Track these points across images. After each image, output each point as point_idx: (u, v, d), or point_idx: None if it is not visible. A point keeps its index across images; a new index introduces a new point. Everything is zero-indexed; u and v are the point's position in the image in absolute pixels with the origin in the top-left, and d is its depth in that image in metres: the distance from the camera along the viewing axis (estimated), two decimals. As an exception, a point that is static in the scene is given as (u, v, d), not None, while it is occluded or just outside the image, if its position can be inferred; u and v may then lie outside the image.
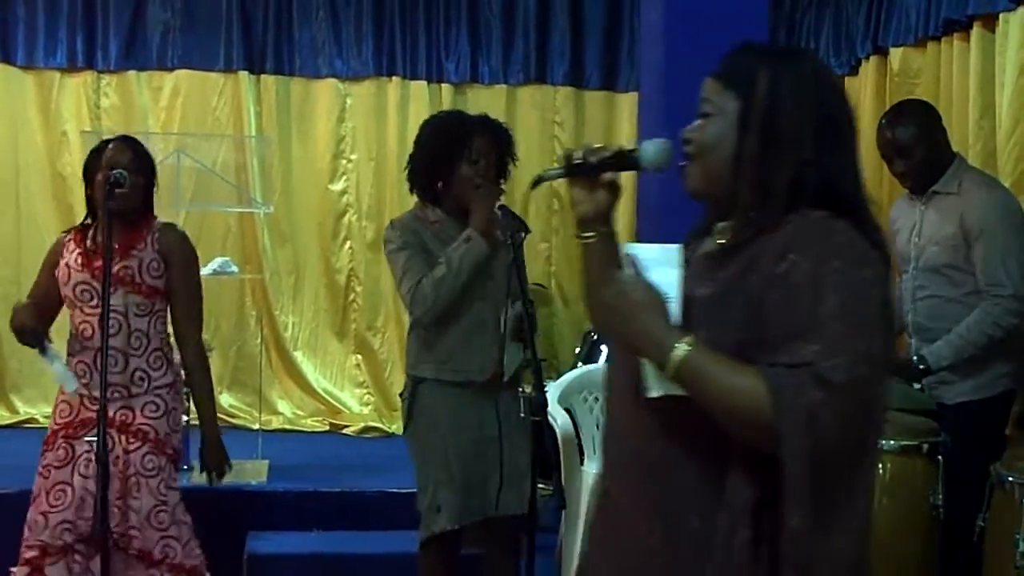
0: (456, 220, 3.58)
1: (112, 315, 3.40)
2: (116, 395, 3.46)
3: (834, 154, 1.71)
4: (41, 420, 6.46)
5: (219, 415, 6.37)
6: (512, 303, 3.44)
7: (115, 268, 3.44)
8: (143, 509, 3.47)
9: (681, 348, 1.64)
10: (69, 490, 3.44)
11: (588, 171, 1.90)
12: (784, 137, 1.70)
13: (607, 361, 2.01)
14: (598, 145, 1.91)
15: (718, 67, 1.81)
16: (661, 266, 1.74)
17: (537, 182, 1.94)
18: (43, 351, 3.48)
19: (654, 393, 1.69)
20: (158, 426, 3.53)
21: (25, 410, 6.58)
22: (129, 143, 3.59)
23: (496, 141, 3.63)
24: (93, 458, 3.32)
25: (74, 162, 6.54)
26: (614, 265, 1.89)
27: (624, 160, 1.90)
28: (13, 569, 3.53)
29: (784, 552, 1.60)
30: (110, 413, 3.41)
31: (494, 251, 3.51)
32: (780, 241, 1.65)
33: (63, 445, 3.47)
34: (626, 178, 1.97)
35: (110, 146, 3.55)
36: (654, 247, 1.79)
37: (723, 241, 1.77)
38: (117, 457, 3.45)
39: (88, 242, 3.54)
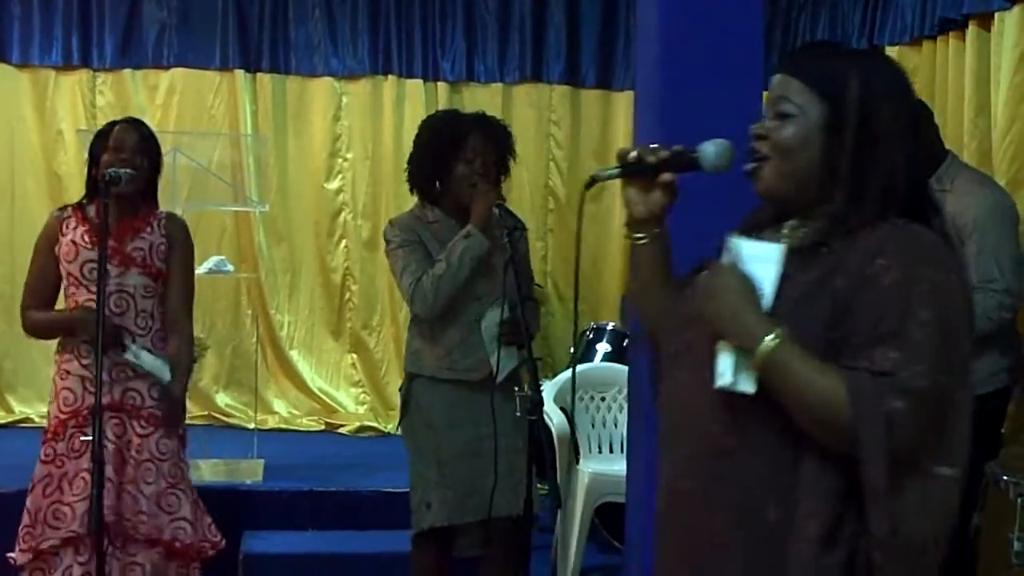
0: (454, 220, 3.58)
1: (121, 294, 3.47)
2: (120, 375, 3.49)
3: (919, 158, 1.76)
4: (37, 420, 6.45)
5: (215, 414, 6.47)
6: (503, 306, 3.44)
7: (127, 248, 3.51)
8: (154, 494, 3.49)
9: (771, 339, 1.65)
10: (89, 478, 3.43)
11: (646, 171, 1.86)
12: (880, 142, 1.71)
13: (660, 358, 1.97)
14: (654, 144, 1.87)
15: (795, 67, 1.78)
16: (761, 262, 1.74)
17: (592, 183, 1.87)
18: (124, 349, 3.46)
19: (725, 382, 1.70)
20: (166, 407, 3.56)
21: (20, 409, 6.56)
22: (135, 125, 3.61)
23: (493, 139, 3.63)
24: (108, 445, 3.36)
25: (69, 161, 6.54)
26: (664, 267, 1.91)
27: (683, 161, 1.86)
28: (12, 555, 3.51)
29: (872, 552, 1.63)
30: (116, 396, 3.45)
31: (493, 247, 3.51)
32: (869, 245, 1.67)
33: (76, 435, 3.46)
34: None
35: (117, 127, 3.55)
36: (758, 243, 1.78)
37: (794, 239, 1.77)
38: (129, 442, 3.49)
39: (95, 219, 3.50)
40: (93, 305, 3.38)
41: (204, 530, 3.61)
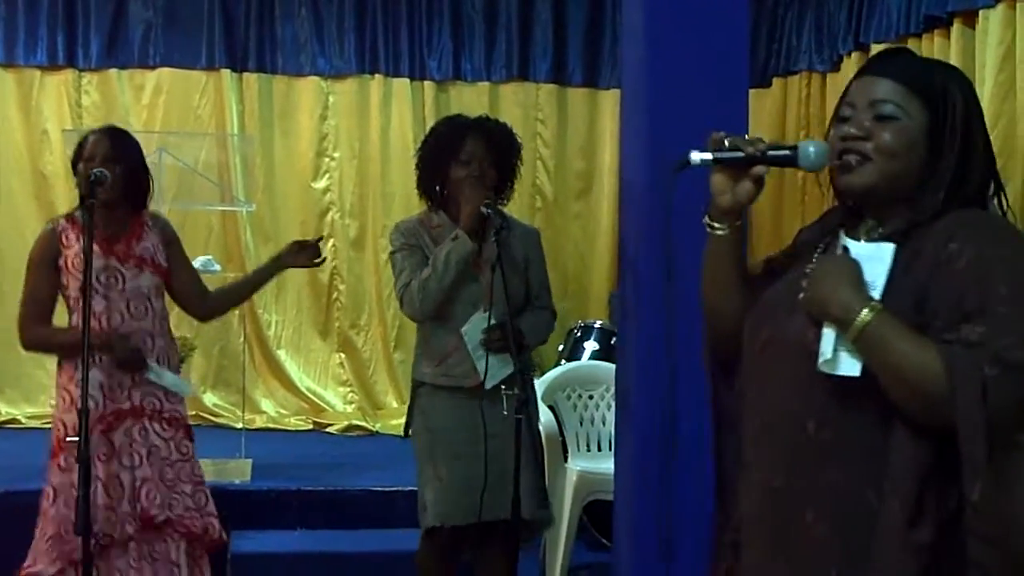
0: (456, 225, 3.58)
1: (139, 297, 3.51)
2: (139, 379, 3.50)
3: (993, 159, 1.85)
4: (23, 421, 6.44)
5: (202, 414, 6.47)
6: (489, 311, 3.45)
7: (137, 250, 3.54)
8: (192, 492, 3.57)
9: (867, 312, 1.69)
10: (117, 482, 3.46)
11: (740, 161, 1.84)
12: (978, 149, 1.80)
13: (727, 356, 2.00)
14: (750, 136, 1.86)
15: (896, 72, 1.81)
16: (872, 261, 1.77)
17: (684, 165, 1.82)
18: (147, 369, 3.49)
19: (826, 359, 1.73)
20: (181, 410, 3.63)
21: (7, 411, 6.54)
22: (108, 134, 3.58)
23: (490, 142, 3.61)
24: (133, 448, 3.45)
25: (55, 161, 6.53)
26: (740, 261, 1.93)
27: (780, 156, 1.84)
28: (36, 568, 3.46)
29: (970, 525, 1.65)
30: (136, 401, 3.49)
31: (485, 251, 3.51)
32: (942, 230, 1.73)
33: (101, 440, 3.44)
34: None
35: (90, 138, 3.55)
36: (868, 244, 1.81)
37: (874, 235, 1.82)
38: (155, 446, 3.52)
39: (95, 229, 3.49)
40: (116, 315, 3.46)
41: (215, 525, 3.67)
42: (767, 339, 1.86)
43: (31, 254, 3.58)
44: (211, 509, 3.64)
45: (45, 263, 3.54)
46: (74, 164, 3.55)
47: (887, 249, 1.78)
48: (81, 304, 3.44)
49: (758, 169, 1.84)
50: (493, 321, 3.46)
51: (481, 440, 3.49)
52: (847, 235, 1.87)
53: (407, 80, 6.83)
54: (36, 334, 3.57)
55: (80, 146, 3.55)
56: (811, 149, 1.82)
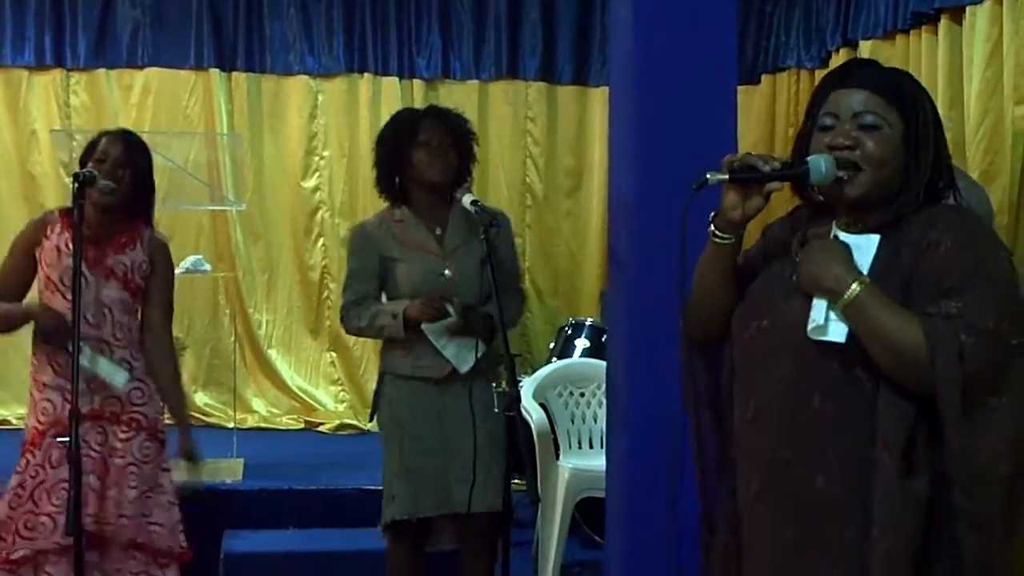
0: (420, 219, 3.61)
1: (99, 307, 3.44)
2: (99, 384, 3.46)
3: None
4: (14, 422, 6.42)
5: (193, 413, 6.44)
6: (454, 304, 3.49)
7: (109, 261, 3.47)
8: (136, 497, 3.48)
9: (857, 284, 1.89)
10: (66, 490, 3.40)
11: (757, 179, 1.96)
12: (943, 152, 2.02)
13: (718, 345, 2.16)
14: (761, 154, 1.99)
15: (874, 85, 1.97)
16: (859, 250, 1.95)
17: (703, 184, 1.95)
18: (79, 351, 3.39)
19: (818, 326, 1.92)
20: (147, 411, 3.54)
21: (-2, 412, 6.54)
22: (122, 137, 3.56)
23: (445, 123, 3.65)
24: (89, 454, 3.35)
25: (43, 161, 6.52)
26: (735, 265, 2.08)
27: (793, 172, 1.98)
28: None
29: (951, 475, 1.85)
30: (95, 404, 3.42)
31: (462, 246, 3.59)
32: (921, 223, 1.94)
33: (55, 444, 3.41)
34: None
35: (104, 138, 3.53)
36: (857, 235, 1.98)
37: (856, 230, 1.99)
38: (113, 448, 3.46)
39: (83, 229, 3.47)
40: (67, 313, 3.35)
41: (177, 536, 3.58)
42: (762, 327, 2.02)
43: (15, 238, 3.58)
44: (158, 516, 3.52)
45: (23, 247, 3.54)
46: (83, 163, 3.51)
47: (873, 239, 1.96)
48: (57, 297, 3.45)
49: (772, 186, 1.97)
50: (454, 312, 3.49)
51: (448, 432, 3.53)
52: (821, 230, 2.04)
53: (396, 79, 6.84)
54: None
55: (92, 146, 3.51)
56: (822, 164, 1.94)
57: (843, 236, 1.99)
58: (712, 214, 2.03)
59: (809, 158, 1.96)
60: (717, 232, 2.03)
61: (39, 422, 3.47)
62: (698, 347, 2.18)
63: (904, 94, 1.98)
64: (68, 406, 3.36)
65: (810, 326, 1.93)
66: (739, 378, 2.09)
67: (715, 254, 2.06)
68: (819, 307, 1.93)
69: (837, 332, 1.92)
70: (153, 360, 3.60)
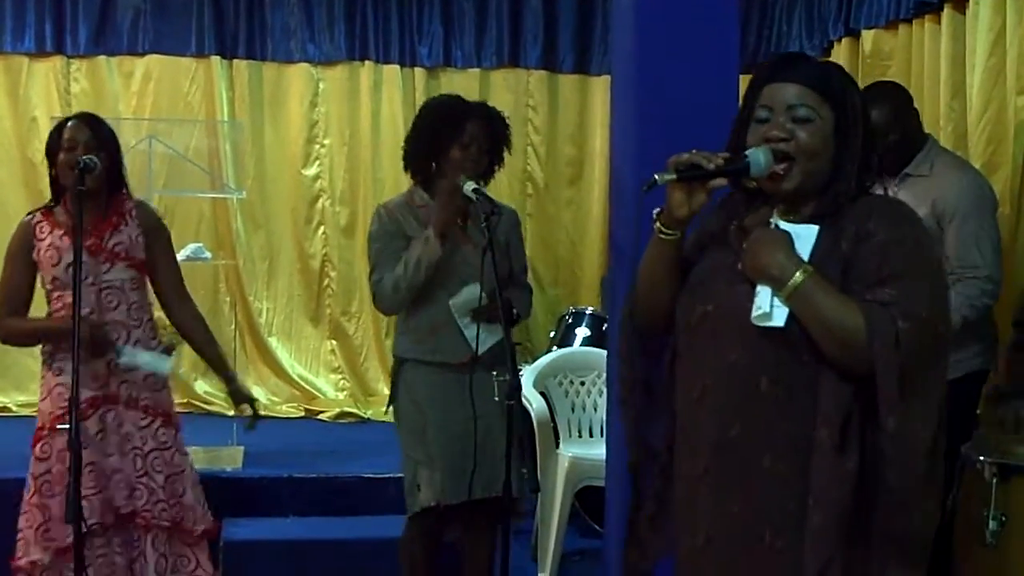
0: None
1: (111, 290, 3.49)
2: (117, 368, 3.51)
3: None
4: (14, 408, 6.44)
5: (193, 401, 6.47)
6: (480, 286, 3.48)
7: (110, 243, 3.51)
8: (163, 482, 3.55)
9: (800, 273, 1.99)
10: (97, 470, 3.45)
11: (703, 176, 2.03)
12: (870, 140, 2.12)
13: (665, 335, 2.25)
14: (706, 153, 2.05)
15: (806, 78, 2.07)
16: (799, 239, 2.05)
17: (651, 186, 2.04)
18: (119, 354, 3.48)
19: (762, 313, 2.00)
20: (162, 399, 3.61)
21: (-2, 399, 6.54)
22: (86, 121, 3.57)
23: (490, 128, 3.65)
24: (107, 436, 3.44)
25: (44, 148, 6.48)
26: (679, 258, 2.16)
27: (736, 167, 2.04)
28: (32, 558, 3.47)
29: (884, 452, 1.97)
30: (113, 388, 3.48)
31: (465, 239, 3.54)
32: (857, 213, 2.04)
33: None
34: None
35: (68, 125, 3.53)
36: (796, 225, 2.07)
37: (798, 218, 2.09)
38: (128, 434, 3.51)
39: (67, 221, 3.49)
40: (86, 307, 3.40)
41: (207, 514, 3.67)
42: (708, 313, 2.11)
43: (8, 247, 3.60)
44: (189, 499, 3.60)
45: (19, 255, 3.56)
46: (52, 153, 3.52)
47: (813, 229, 2.05)
48: (58, 296, 3.46)
49: (717, 182, 2.06)
50: (484, 296, 3.49)
51: (470, 418, 3.52)
52: (756, 218, 2.14)
53: (397, 67, 6.82)
54: (10, 327, 3.58)
55: (56, 133, 3.53)
56: (760, 157, 2.03)
57: (784, 225, 2.07)
58: (656, 211, 2.12)
59: (748, 152, 2.05)
60: (664, 229, 2.11)
61: (57, 407, 3.48)
62: (638, 336, 2.28)
63: (834, 87, 2.08)
64: (84, 390, 3.43)
65: (755, 313, 2.02)
66: (684, 362, 2.18)
67: (661, 249, 2.15)
68: (764, 294, 2.02)
69: (780, 318, 2.01)
70: (182, 325, 3.71)
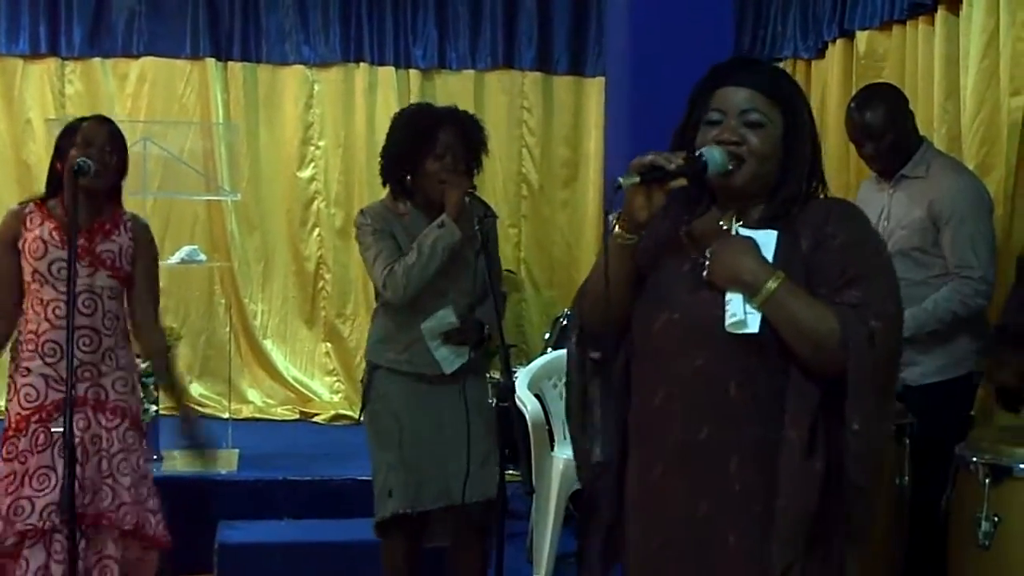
0: (424, 214, 3.57)
1: (90, 295, 3.44)
2: (87, 374, 3.46)
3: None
4: None
5: (189, 404, 6.45)
6: (452, 309, 3.50)
7: (98, 249, 3.47)
8: (130, 485, 3.50)
9: (774, 280, 2.01)
10: (52, 474, 3.41)
11: (664, 178, 2.03)
12: (818, 144, 2.17)
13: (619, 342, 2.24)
14: (665, 153, 2.05)
15: (758, 83, 2.10)
16: (761, 245, 2.07)
17: (617, 189, 2.04)
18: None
19: (736, 320, 2.02)
20: (131, 401, 3.56)
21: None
22: (105, 122, 3.56)
23: (464, 134, 3.59)
24: (76, 439, 3.32)
25: (39, 150, 6.50)
26: (634, 262, 2.16)
27: (695, 166, 2.05)
28: None
29: (850, 449, 2.01)
30: (80, 392, 3.42)
31: (464, 239, 3.51)
32: (812, 217, 2.09)
33: (40, 430, 3.42)
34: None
35: (86, 123, 3.52)
36: (756, 231, 2.09)
37: (738, 224, 2.12)
38: (96, 436, 3.47)
39: (62, 216, 3.46)
40: (61, 306, 3.39)
41: (163, 523, 3.60)
42: (673, 320, 2.11)
43: None
44: (152, 506, 3.56)
45: (6, 244, 3.51)
46: (63, 149, 3.50)
47: (772, 235, 2.08)
48: (36, 291, 3.44)
49: (677, 182, 2.06)
50: (454, 318, 3.50)
51: (451, 424, 3.51)
52: (709, 222, 2.16)
53: (392, 68, 6.83)
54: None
55: (71, 130, 3.50)
56: (716, 155, 2.05)
57: (744, 231, 2.10)
58: (613, 216, 2.12)
59: (703, 150, 2.06)
60: (624, 234, 2.11)
61: (22, 407, 3.46)
62: (590, 341, 2.28)
63: (785, 93, 2.12)
64: (52, 392, 3.42)
65: (728, 320, 2.03)
66: (643, 368, 2.18)
67: (619, 253, 2.14)
68: (736, 301, 2.03)
69: (754, 324, 2.03)
70: (143, 341, 3.64)
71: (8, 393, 3.55)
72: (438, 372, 3.55)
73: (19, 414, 3.47)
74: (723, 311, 2.04)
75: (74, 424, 3.35)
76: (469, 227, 3.48)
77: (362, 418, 3.76)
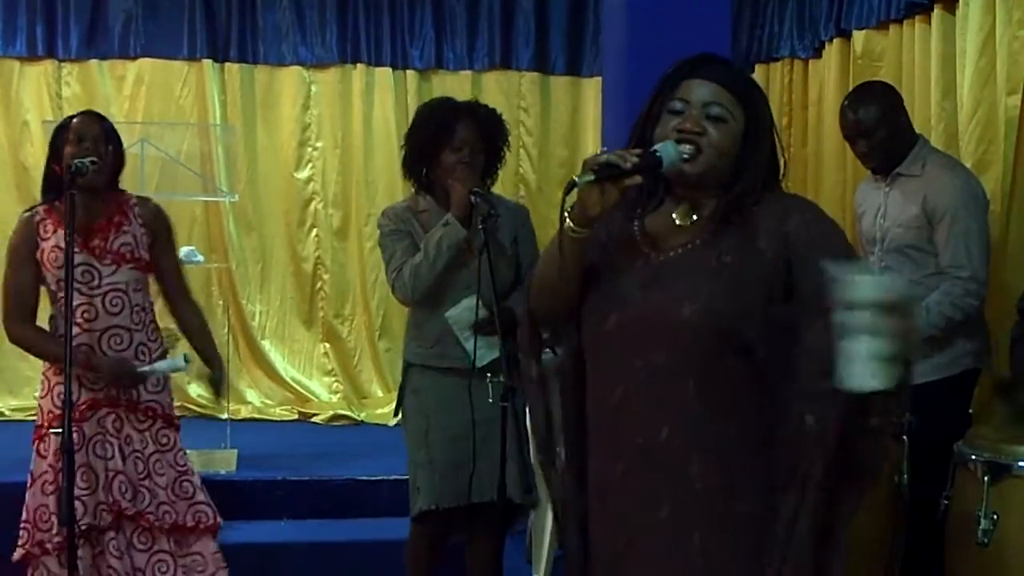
0: (444, 209, 3.58)
1: (115, 293, 3.46)
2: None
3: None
4: (7, 413, 6.43)
5: (188, 404, 6.47)
6: (477, 297, 3.46)
7: (115, 245, 3.48)
8: (168, 484, 3.53)
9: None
10: (91, 473, 3.43)
11: (620, 175, 2.02)
12: (776, 141, 2.17)
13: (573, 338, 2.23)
14: (620, 152, 2.05)
15: (722, 79, 2.11)
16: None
17: (571, 187, 2.04)
18: (144, 377, 3.49)
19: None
20: (162, 400, 3.59)
21: (-10, 403, 6.53)
22: (95, 116, 3.58)
23: (482, 128, 3.62)
24: (106, 438, 3.43)
25: (36, 152, 6.48)
26: (584, 255, 2.14)
27: (651, 162, 2.04)
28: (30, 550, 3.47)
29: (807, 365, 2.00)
30: (112, 391, 3.46)
31: (472, 235, 3.51)
32: (771, 211, 2.08)
33: (74, 429, 3.40)
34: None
35: (76, 119, 3.52)
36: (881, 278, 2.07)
37: (692, 218, 2.13)
38: (129, 436, 3.49)
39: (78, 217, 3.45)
40: (92, 309, 3.43)
41: (214, 509, 3.66)
42: (627, 318, 2.09)
43: (11, 244, 3.55)
44: (200, 497, 3.60)
45: (24, 255, 3.51)
46: (58, 148, 3.49)
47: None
48: (63, 298, 3.44)
49: (635, 179, 2.04)
50: (482, 308, 3.46)
51: (471, 422, 3.51)
52: (660, 217, 2.17)
53: (389, 69, 6.82)
54: (22, 334, 3.54)
55: (63, 129, 3.50)
56: (670, 150, 2.06)
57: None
58: (565, 210, 2.10)
59: (658, 146, 2.07)
60: (576, 228, 2.10)
61: (55, 405, 3.47)
62: (539, 333, 2.28)
63: (748, 92, 2.14)
64: (84, 391, 3.44)
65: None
66: (598, 366, 2.16)
67: (569, 248, 2.13)
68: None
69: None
70: (183, 321, 3.72)
71: (41, 390, 3.56)
72: (467, 366, 3.53)
73: (52, 412, 3.48)
74: (679, 308, 2.03)
75: (108, 423, 3.46)
76: (475, 232, 3.48)
77: (399, 416, 3.77)
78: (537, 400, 2.29)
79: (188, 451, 3.67)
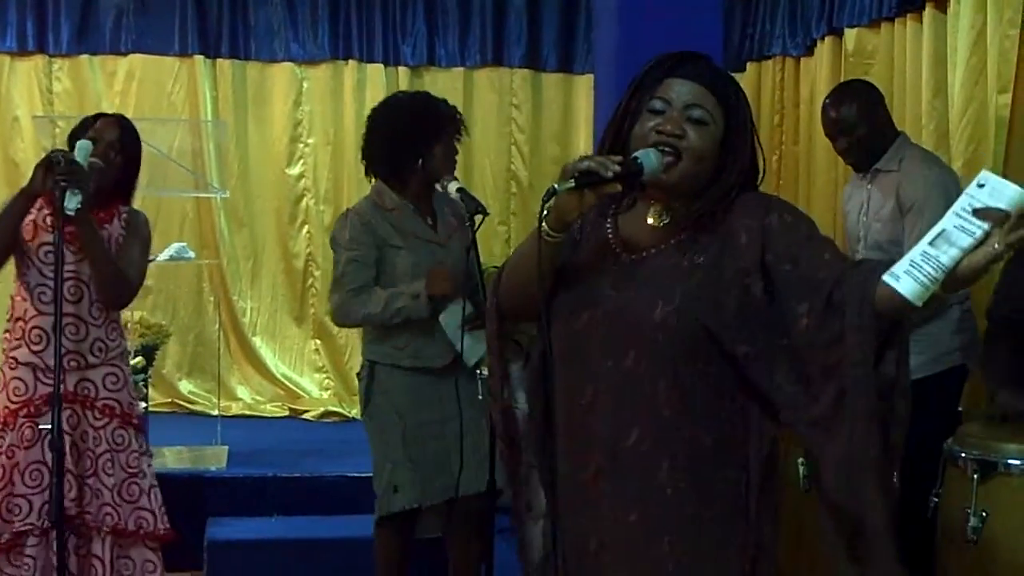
0: (415, 208, 3.58)
1: (77, 283, 3.41)
2: (72, 364, 3.42)
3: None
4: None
5: (178, 401, 6.46)
6: (464, 301, 3.47)
7: None
8: (115, 485, 3.46)
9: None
10: (45, 470, 3.37)
11: (600, 182, 1.98)
12: (756, 143, 2.12)
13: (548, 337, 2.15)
14: (600, 158, 2.00)
15: (704, 80, 2.06)
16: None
17: (551, 194, 1.99)
18: (53, 161, 3.24)
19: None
20: (121, 398, 3.51)
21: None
22: (120, 122, 3.56)
23: (461, 123, 3.69)
24: (60, 434, 3.28)
25: (26, 147, 6.48)
26: (557, 257, 2.11)
27: (632, 170, 2.00)
28: None
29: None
30: (69, 386, 3.38)
31: (454, 231, 3.57)
32: (749, 209, 2.04)
33: (27, 424, 3.39)
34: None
35: (100, 120, 3.52)
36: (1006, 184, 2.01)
37: (665, 220, 2.10)
38: (84, 433, 3.44)
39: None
40: (48, 291, 3.35)
41: (162, 518, 3.57)
42: (593, 318, 2.06)
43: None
44: (145, 502, 3.50)
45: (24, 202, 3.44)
46: (72, 140, 3.47)
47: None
48: (31, 272, 3.41)
49: (615, 186, 1.99)
50: (470, 309, 3.47)
51: (450, 418, 3.52)
52: (633, 217, 2.13)
53: (381, 66, 6.82)
54: None
55: (84, 125, 3.51)
56: (651, 157, 2.00)
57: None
58: (543, 214, 2.04)
59: (638, 154, 2.01)
60: (551, 232, 2.05)
61: (11, 401, 3.43)
62: (507, 329, 2.25)
63: (730, 94, 2.08)
64: (41, 385, 3.39)
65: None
66: (568, 366, 2.11)
67: (544, 251, 2.07)
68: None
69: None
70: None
71: None
72: (445, 363, 3.55)
73: (7, 408, 3.44)
74: (651, 309, 1.99)
75: (65, 420, 3.33)
76: (460, 225, 3.49)
77: (363, 415, 3.75)
78: (498, 395, 2.24)
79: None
